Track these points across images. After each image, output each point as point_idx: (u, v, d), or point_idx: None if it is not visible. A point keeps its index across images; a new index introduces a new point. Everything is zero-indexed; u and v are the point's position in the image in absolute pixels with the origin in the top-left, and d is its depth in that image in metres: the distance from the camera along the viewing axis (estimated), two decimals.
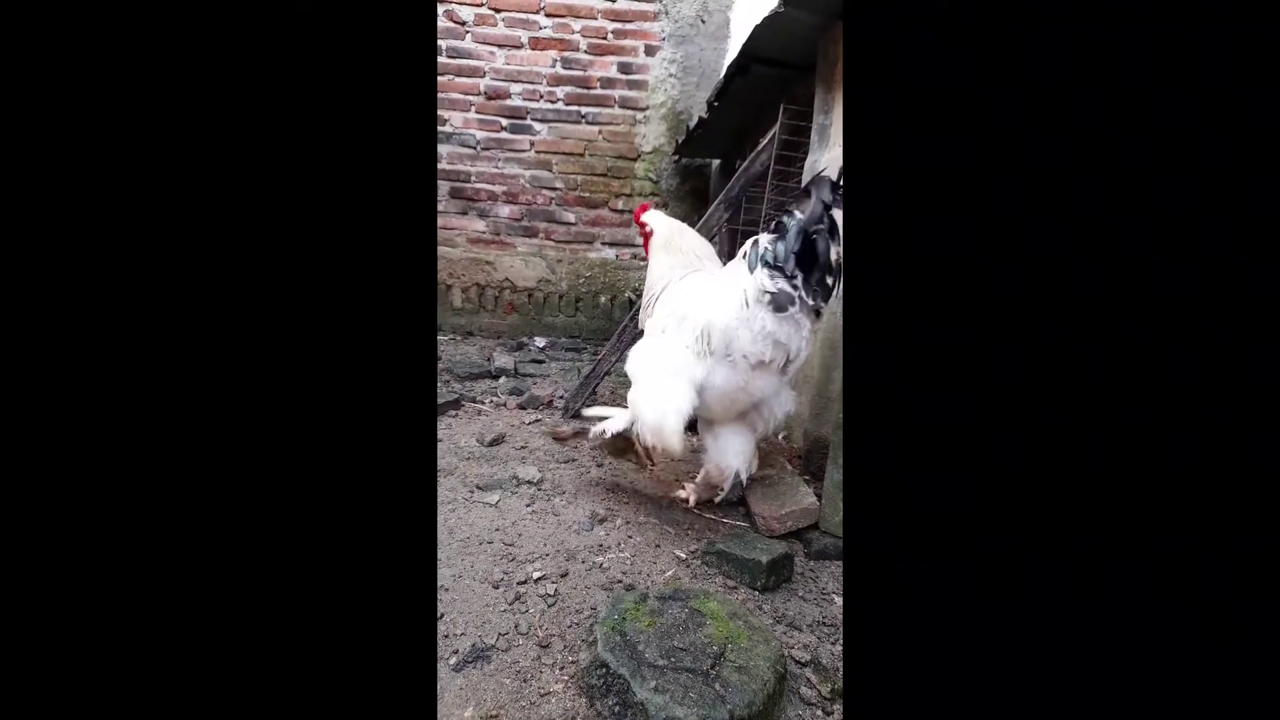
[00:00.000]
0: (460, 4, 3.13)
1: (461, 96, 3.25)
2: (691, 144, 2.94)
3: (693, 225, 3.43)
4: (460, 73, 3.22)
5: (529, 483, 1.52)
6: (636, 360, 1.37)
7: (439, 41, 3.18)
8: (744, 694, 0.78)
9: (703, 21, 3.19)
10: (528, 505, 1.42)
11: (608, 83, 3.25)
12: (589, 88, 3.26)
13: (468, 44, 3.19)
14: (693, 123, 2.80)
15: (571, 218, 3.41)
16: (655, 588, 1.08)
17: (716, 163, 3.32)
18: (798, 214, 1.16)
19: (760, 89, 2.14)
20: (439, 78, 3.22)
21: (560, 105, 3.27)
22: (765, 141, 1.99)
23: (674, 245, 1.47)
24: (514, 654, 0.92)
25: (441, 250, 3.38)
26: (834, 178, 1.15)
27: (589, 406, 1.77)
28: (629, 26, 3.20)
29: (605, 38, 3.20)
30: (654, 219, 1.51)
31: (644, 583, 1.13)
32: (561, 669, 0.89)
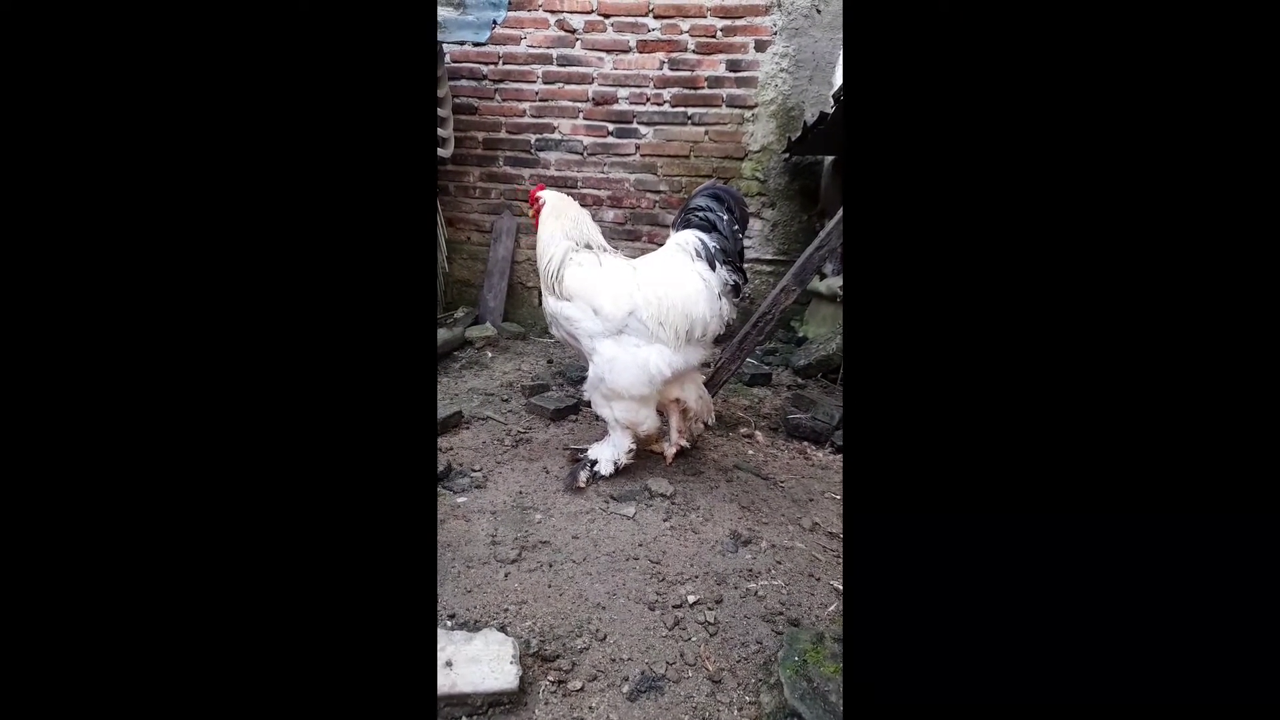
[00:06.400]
0: (571, 12, 3.19)
1: (570, 104, 3.30)
2: (806, 141, 2.80)
3: (811, 225, 3.26)
4: (570, 80, 3.27)
5: (662, 495, 1.49)
6: (625, 380, 1.52)
7: (550, 51, 3.26)
8: None
9: (818, 11, 3.04)
10: (665, 520, 1.39)
11: (715, 82, 3.18)
12: (696, 88, 3.20)
13: (577, 51, 3.24)
14: (810, 118, 2.66)
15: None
16: (825, 625, 1.01)
17: (829, 160, 3.15)
18: (723, 215, 1.56)
19: None
20: (549, 87, 3.29)
21: (667, 107, 3.24)
22: None
23: (561, 212, 1.62)
24: (686, 687, 0.89)
25: None
26: (720, 186, 1.66)
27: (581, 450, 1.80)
28: (739, 23, 3.11)
29: (714, 36, 3.13)
30: (545, 193, 1.67)
31: (808, 617, 1.06)
32: (740, 709, 0.85)
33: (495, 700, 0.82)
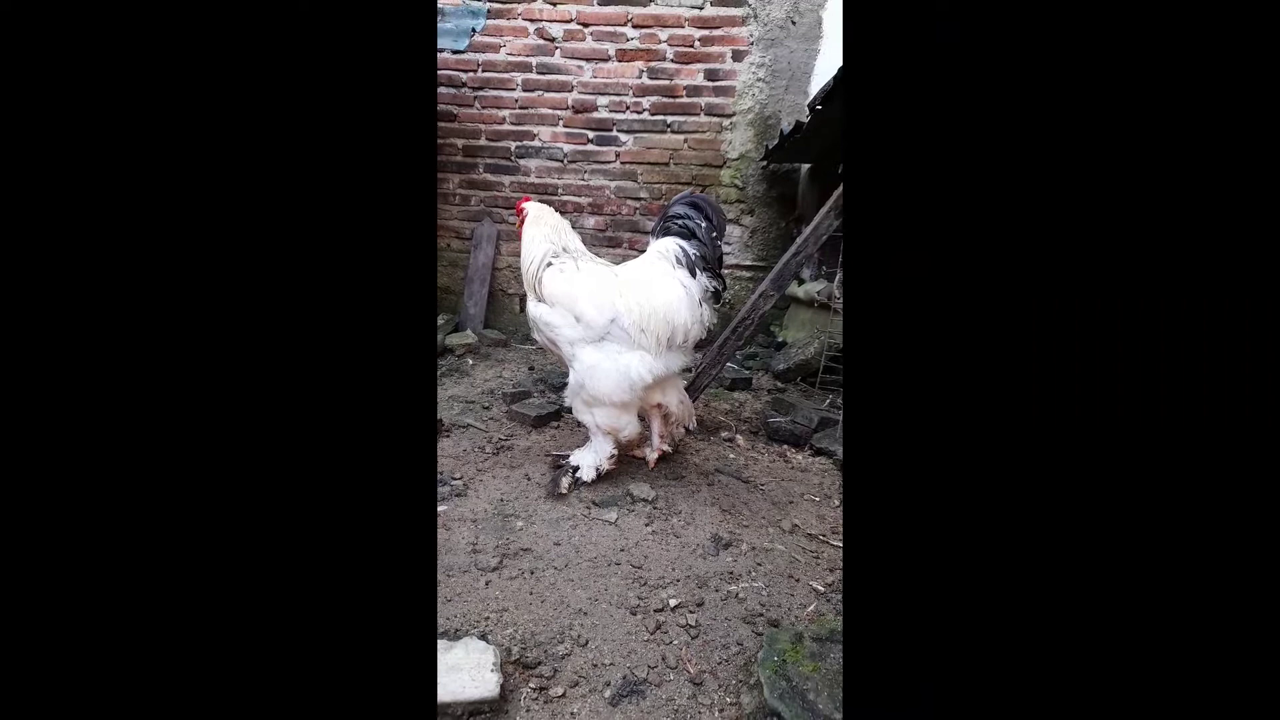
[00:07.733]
0: (551, 21, 3.20)
1: (550, 111, 3.32)
2: (783, 149, 2.86)
3: (789, 232, 3.30)
4: (549, 88, 3.29)
5: (644, 500, 1.50)
6: (606, 387, 1.53)
7: (529, 59, 3.27)
8: None
9: (793, 23, 3.10)
10: (646, 525, 1.39)
11: (694, 90, 3.23)
12: (675, 96, 3.24)
13: (557, 60, 3.26)
14: (786, 127, 2.71)
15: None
16: (804, 625, 1.02)
17: (806, 168, 3.21)
18: (701, 223, 1.60)
19: None
20: (528, 94, 3.30)
21: (646, 115, 3.27)
22: None
23: (540, 219, 1.67)
24: (667, 690, 0.89)
25: None
26: (698, 195, 1.68)
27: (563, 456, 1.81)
28: (716, 33, 3.16)
29: (692, 45, 3.18)
30: (529, 205, 1.74)
31: (788, 618, 1.07)
32: (721, 710, 0.85)
33: (476, 709, 0.82)
